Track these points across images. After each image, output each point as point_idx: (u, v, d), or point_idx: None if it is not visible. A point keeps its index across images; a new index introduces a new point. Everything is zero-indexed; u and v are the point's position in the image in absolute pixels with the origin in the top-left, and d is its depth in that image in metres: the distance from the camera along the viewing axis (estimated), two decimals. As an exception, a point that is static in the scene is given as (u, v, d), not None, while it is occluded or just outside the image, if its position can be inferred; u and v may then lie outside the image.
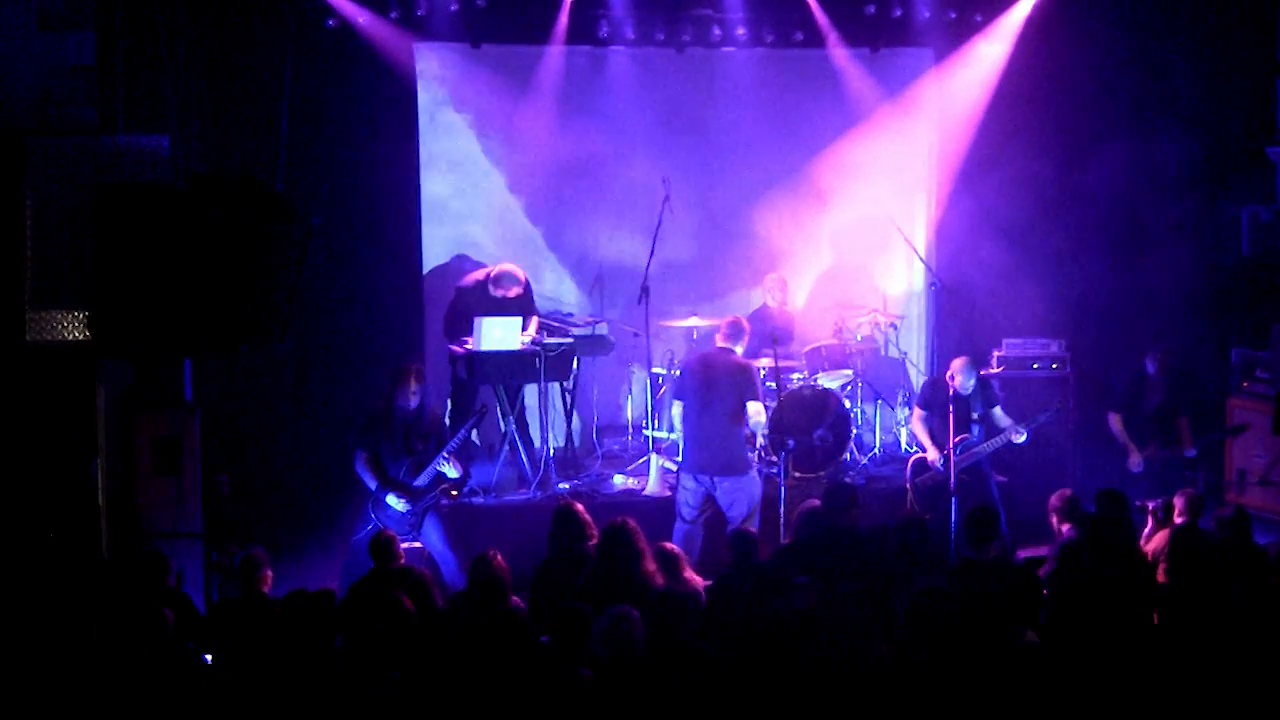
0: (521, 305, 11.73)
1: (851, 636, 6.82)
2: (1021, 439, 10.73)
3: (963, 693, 6.43)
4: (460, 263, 12.51)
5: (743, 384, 10.26)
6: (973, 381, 10.74)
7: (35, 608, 8.05)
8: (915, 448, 11.45)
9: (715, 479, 10.26)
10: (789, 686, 6.43)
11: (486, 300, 11.62)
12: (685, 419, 10.44)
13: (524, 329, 11.40)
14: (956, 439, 10.57)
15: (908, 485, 11.01)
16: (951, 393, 10.67)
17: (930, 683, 6.49)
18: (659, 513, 10.68)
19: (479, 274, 11.88)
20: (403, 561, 8.75)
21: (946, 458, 10.47)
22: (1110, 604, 7.49)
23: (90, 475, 9.46)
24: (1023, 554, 10.43)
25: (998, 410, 10.91)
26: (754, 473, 10.51)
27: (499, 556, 8.28)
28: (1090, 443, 12.07)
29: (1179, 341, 12.03)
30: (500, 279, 11.62)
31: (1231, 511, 9.02)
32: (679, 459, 10.79)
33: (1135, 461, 11.27)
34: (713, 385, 10.26)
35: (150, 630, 7.15)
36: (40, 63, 9.78)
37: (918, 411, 11.11)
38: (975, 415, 10.76)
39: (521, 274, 11.75)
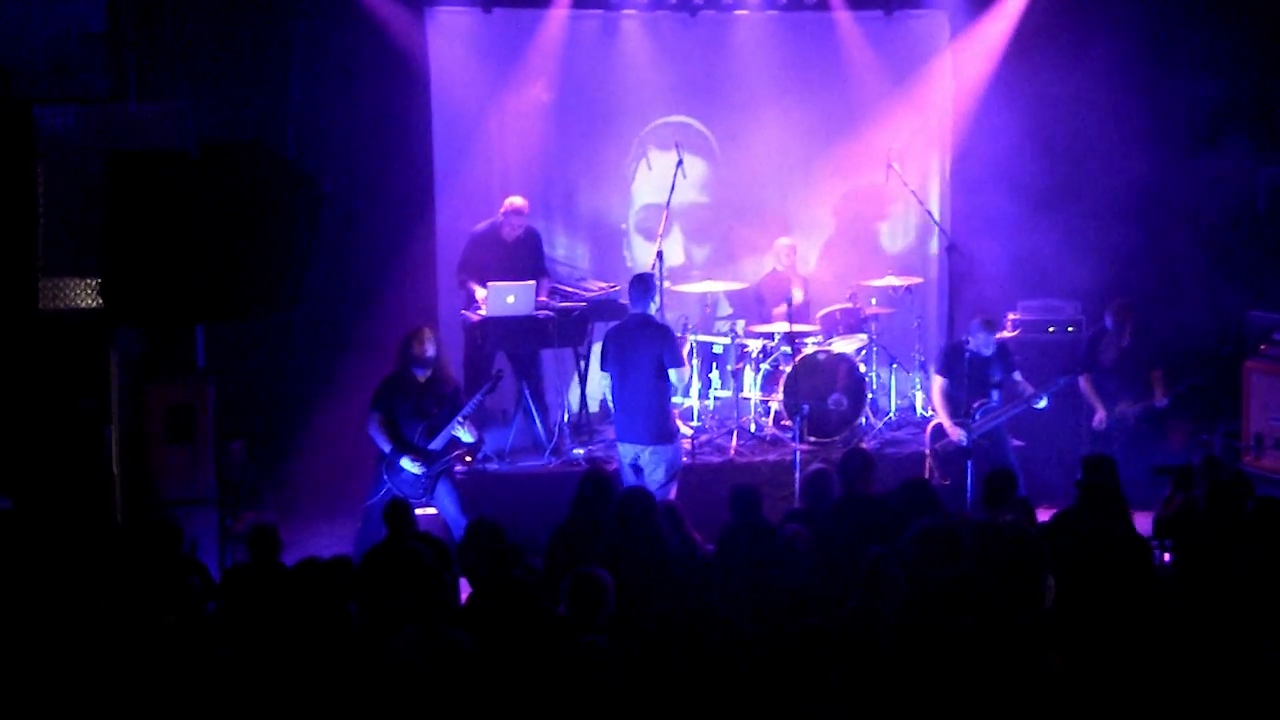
0: (532, 255, 11.73)
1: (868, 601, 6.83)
2: (1042, 404, 10.66)
3: (971, 656, 6.40)
4: (472, 226, 12.46)
5: (659, 349, 9.99)
6: (992, 341, 10.66)
7: (50, 575, 8.06)
8: (932, 412, 11.39)
9: (638, 448, 10.12)
10: (803, 653, 6.39)
11: (498, 245, 11.60)
12: (612, 389, 10.35)
13: (538, 291, 11.34)
14: (976, 404, 10.54)
15: (926, 451, 10.98)
16: (968, 355, 10.63)
17: (939, 647, 6.46)
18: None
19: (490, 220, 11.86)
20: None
21: (966, 425, 10.43)
22: (1103, 571, 7.46)
23: (104, 443, 9.47)
24: (1041, 516, 10.39)
25: (1017, 375, 10.85)
26: (678, 442, 10.38)
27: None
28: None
29: (1195, 304, 11.98)
30: (507, 215, 11.58)
31: (1226, 478, 8.69)
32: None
33: (1100, 419, 11.31)
34: (628, 353, 10.04)
35: (174, 596, 7.18)
36: (51, 31, 9.77)
37: (938, 380, 10.97)
38: (994, 380, 10.70)
39: (524, 203, 11.65)
